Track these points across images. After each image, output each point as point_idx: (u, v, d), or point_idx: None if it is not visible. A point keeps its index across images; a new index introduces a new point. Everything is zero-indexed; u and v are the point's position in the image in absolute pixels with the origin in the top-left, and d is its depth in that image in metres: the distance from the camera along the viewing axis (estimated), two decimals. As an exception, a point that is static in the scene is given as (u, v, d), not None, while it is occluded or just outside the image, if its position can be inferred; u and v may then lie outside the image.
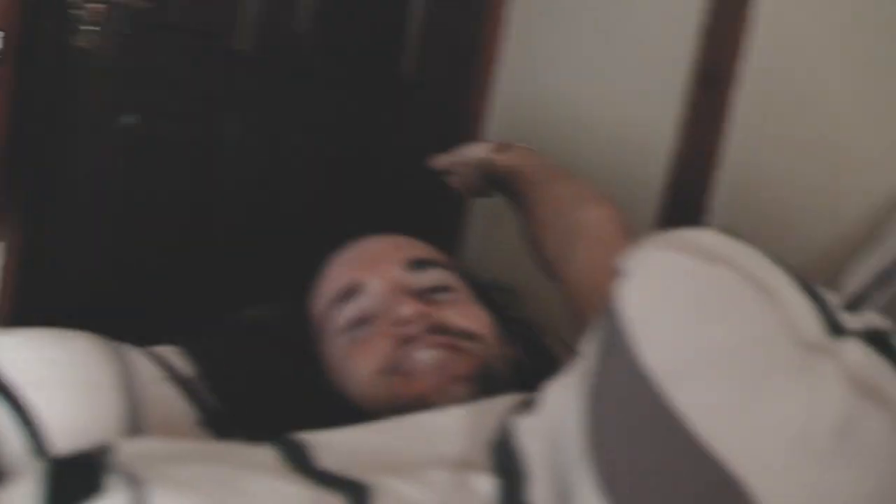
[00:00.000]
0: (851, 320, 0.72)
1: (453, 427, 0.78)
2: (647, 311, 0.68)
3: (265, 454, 0.75)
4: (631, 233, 1.10)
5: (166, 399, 1.04)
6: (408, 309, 0.96)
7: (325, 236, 1.12)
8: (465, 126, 2.11)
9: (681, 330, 0.66)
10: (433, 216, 2.15)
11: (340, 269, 1.06)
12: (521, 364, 1.06)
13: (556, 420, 0.70)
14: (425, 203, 2.12)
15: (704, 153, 1.65)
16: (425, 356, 0.94)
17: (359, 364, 0.97)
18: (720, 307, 0.68)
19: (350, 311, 1.01)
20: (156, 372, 1.07)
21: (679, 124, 1.70)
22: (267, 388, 1.03)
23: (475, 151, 1.38)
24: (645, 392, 0.63)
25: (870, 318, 0.73)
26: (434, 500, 0.69)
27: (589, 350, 0.70)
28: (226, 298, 1.27)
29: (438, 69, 2.04)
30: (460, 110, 2.11)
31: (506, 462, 0.72)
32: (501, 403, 0.80)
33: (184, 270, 1.75)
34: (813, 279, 1.39)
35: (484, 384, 0.94)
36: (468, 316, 1.01)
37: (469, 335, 0.98)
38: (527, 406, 0.75)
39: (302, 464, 0.73)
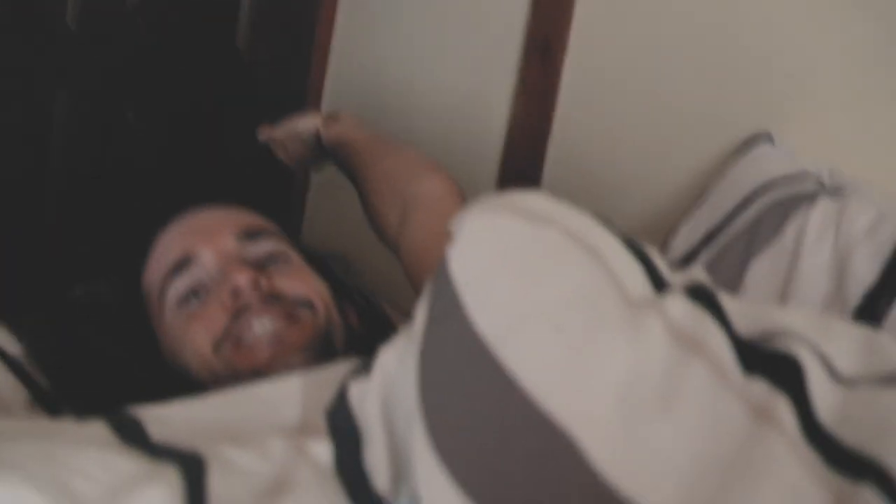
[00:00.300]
0: (675, 276, 0.75)
1: (291, 395, 0.78)
2: (474, 273, 0.68)
3: (97, 430, 0.72)
4: (466, 200, 1.11)
5: None
6: (242, 278, 0.95)
7: (162, 211, 1.10)
8: (302, 98, 2.09)
9: (508, 291, 0.67)
10: (271, 189, 2.12)
11: (171, 242, 1.04)
12: (358, 331, 1.07)
13: (389, 383, 0.71)
14: (263, 176, 2.09)
15: (539, 121, 1.68)
16: (260, 327, 0.93)
17: (195, 337, 0.96)
18: (546, 267, 0.69)
19: (183, 282, 0.99)
20: None
21: (513, 94, 1.72)
22: (95, 365, 1.00)
23: (303, 123, 1.37)
24: (476, 353, 0.64)
25: (692, 274, 0.75)
26: (271, 468, 0.68)
27: (420, 313, 0.70)
28: (58, 276, 1.23)
29: (274, 42, 2.01)
30: (297, 83, 2.09)
31: (342, 427, 0.72)
32: (339, 370, 0.80)
33: (12, 250, 1.69)
34: (646, 241, 1.43)
35: (321, 352, 0.94)
36: (303, 283, 1.00)
37: (304, 303, 0.98)
38: (363, 370, 0.76)
39: (134, 438, 0.71)
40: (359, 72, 1.99)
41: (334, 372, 0.80)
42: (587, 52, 1.62)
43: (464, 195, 1.12)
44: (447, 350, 0.66)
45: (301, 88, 2.10)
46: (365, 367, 0.75)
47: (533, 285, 0.68)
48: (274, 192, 2.12)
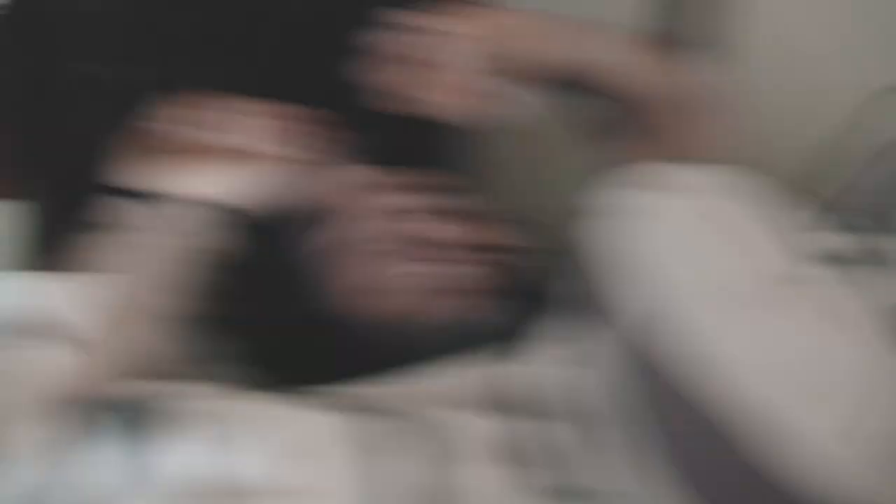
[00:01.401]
0: (819, 242, 0.73)
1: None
2: (651, 259, 0.68)
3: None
4: None
5: None
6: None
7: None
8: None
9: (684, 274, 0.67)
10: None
11: None
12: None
13: (575, 370, 0.70)
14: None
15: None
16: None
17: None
18: (713, 248, 0.69)
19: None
20: None
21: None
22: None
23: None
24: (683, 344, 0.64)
25: (833, 241, 0.74)
26: (451, 435, 0.69)
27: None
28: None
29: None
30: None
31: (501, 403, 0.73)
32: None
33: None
34: (798, 190, 1.39)
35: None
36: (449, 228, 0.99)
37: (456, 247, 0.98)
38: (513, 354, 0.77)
39: None
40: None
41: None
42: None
43: None
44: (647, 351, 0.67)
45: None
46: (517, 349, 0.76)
47: (704, 268, 0.67)
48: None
